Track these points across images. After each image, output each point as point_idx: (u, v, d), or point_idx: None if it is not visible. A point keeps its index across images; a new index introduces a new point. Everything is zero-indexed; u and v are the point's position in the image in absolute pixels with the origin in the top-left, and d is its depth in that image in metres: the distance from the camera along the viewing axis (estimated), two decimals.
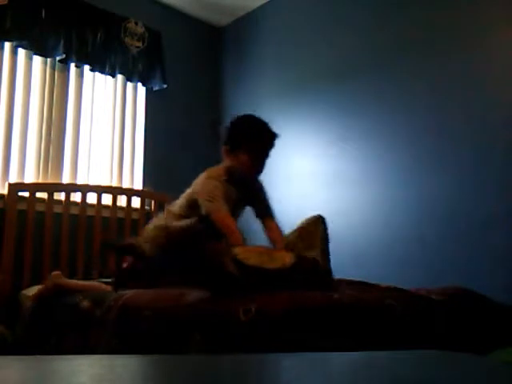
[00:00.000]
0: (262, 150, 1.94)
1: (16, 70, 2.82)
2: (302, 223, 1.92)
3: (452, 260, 2.32)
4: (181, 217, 1.96)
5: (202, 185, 1.94)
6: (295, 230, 1.92)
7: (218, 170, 2.00)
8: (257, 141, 1.91)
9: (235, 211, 1.91)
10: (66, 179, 2.97)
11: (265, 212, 2.13)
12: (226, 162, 1.98)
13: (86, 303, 1.89)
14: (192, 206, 1.93)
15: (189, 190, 2.01)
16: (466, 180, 2.34)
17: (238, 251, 1.48)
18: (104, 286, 2.24)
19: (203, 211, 1.86)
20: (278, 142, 3.22)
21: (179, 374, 0.63)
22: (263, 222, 2.12)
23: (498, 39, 2.30)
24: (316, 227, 1.89)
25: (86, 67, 3.10)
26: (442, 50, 2.49)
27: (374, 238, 2.64)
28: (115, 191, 3.07)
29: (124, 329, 1.62)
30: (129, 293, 1.78)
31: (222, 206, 1.85)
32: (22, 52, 2.85)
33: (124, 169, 3.26)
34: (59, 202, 2.82)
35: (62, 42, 2.89)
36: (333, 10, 3.08)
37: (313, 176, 3.02)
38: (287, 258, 1.51)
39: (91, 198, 2.94)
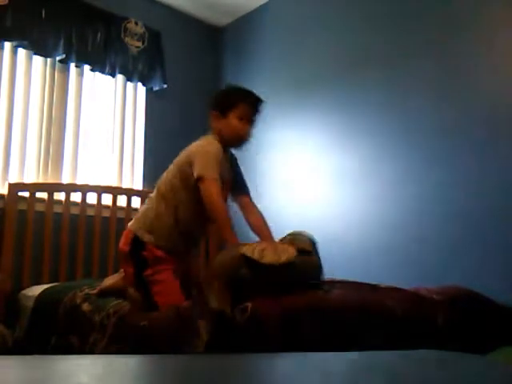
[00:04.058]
0: (250, 113, 1.92)
1: (16, 70, 2.81)
2: (294, 237, 1.68)
3: (452, 260, 2.32)
4: (168, 198, 1.85)
5: (201, 151, 1.84)
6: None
7: (213, 141, 1.89)
8: (245, 103, 1.90)
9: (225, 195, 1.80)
10: (66, 179, 2.97)
11: (243, 188, 1.96)
12: (215, 127, 1.95)
13: (86, 307, 1.90)
14: (184, 177, 1.83)
15: (180, 158, 1.93)
16: (466, 179, 2.34)
17: (247, 250, 1.42)
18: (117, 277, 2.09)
19: (195, 173, 1.75)
20: (278, 140, 3.25)
21: (179, 373, 0.63)
22: (240, 202, 1.94)
23: (499, 38, 2.30)
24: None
25: (86, 67, 3.10)
26: (444, 48, 2.49)
27: (374, 238, 2.63)
28: (115, 191, 3.07)
29: (122, 336, 1.63)
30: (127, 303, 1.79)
31: (217, 181, 1.73)
32: (22, 52, 2.84)
33: (124, 169, 3.26)
34: (59, 202, 2.82)
35: (61, 42, 2.89)
36: (333, 9, 3.08)
37: (313, 174, 3.02)
38: (291, 250, 1.44)
39: (91, 198, 2.94)
